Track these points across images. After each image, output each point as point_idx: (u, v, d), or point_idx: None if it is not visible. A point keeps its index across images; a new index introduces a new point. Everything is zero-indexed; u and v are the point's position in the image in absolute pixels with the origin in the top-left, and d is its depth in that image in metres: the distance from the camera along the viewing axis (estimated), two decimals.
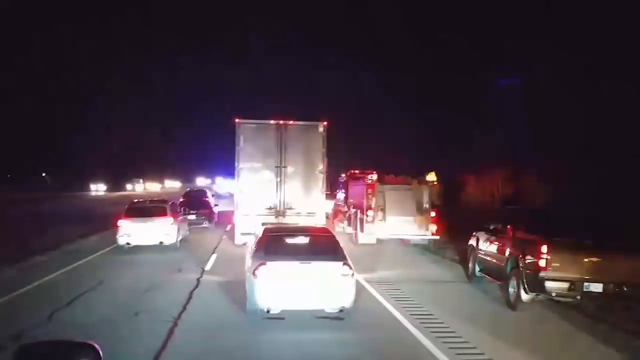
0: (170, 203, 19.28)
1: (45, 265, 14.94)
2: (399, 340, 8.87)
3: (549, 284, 10.02)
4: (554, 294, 10.15)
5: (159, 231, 17.35)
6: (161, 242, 17.32)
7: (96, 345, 2.42)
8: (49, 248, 17.10)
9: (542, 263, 10.03)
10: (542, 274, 10.03)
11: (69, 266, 14.83)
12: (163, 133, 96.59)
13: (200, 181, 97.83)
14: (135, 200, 20.64)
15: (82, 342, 2.43)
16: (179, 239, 18.12)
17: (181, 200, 25.68)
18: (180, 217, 19.36)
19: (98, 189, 77.51)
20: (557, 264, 10.00)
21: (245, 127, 17.97)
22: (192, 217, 23.53)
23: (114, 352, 2.22)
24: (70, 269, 14.56)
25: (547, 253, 10.01)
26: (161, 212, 17.85)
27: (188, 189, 40.53)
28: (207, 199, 28.18)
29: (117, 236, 17.24)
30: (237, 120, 17.99)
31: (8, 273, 13.35)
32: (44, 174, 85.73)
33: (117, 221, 17.62)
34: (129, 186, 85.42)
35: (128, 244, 17.12)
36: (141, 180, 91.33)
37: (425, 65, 33.47)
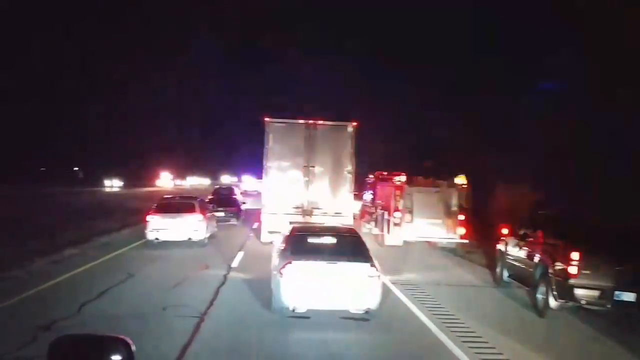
0: (199, 200, 19.47)
1: (76, 258, 15.21)
2: (424, 343, 8.81)
3: (578, 292, 9.87)
4: (583, 302, 9.97)
5: (188, 227, 17.53)
6: (189, 238, 17.49)
7: (129, 340, 2.47)
8: (80, 241, 17.37)
9: (572, 270, 9.88)
10: (572, 281, 9.88)
11: (99, 259, 15.10)
12: (190, 130, 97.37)
13: (225, 179, 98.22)
14: (165, 197, 20.89)
15: (115, 337, 2.48)
16: (207, 236, 18.28)
17: (210, 197, 25.92)
18: (209, 214, 19.53)
19: (113, 184, 76.46)
20: (588, 271, 9.83)
21: (274, 127, 18.06)
22: (220, 214, 23.76)
23: (142, 346, 2.27)
24: (101, 262, 14.82)
25: (578, 260, 9.85)
26: (190, 209, 18.03)
27: (217, 186, 40.88)
28: (235, 197, 28.45)
29: (147, 231, 17.48)
30: (266, 119, 18.10)
31: (40, 265, 13.60)
32: (75, 168, 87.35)
33: (146, 216, 17.87)
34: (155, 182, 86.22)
35: (157, 239, 17.33)
36: (171, 177, 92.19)
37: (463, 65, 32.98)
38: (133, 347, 2.47)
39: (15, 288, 11.10)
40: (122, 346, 2.46)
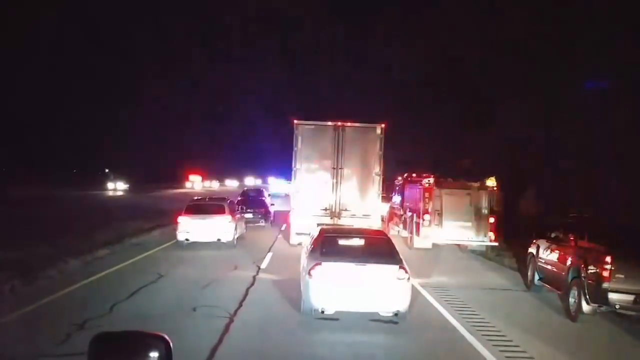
0: (228, 201, 19.63)
1: (108, 258, 15.46)
2: (454, 346, 8.74)
3: (612, 296, 9.67)
4: (617, 307, 9.76)
5: (217, 228, 17.68)
6: (219, 239, 17.64)
7: (167, 337, 2.51)
8: (112, 242, 17.65)
9: (605, 273, 9.69)
10: (605, 284, 9.69)
11: (130, 260, 15.32)
12: (214, 131, 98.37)
13: (249, 181, 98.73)
14: (195, 198, 21.08)
15: (154, 334, 2.52)
16: (236, 237, 18.41)
17: (239, 199, 26.10)
18: (238, 216, 19.67)
19: (117, 187, 71.29)
20: (622, 275, 9.64)
21: (303, 129, 18.12)
22: (249, 215, 23.91)
23: (173, 346, 2.30)
24: (132, 263, 15.04)
25: (611, 263, 9.67)
26: (220, 210, 18.20)
27: (245, 188, 41.11)
28: (263, 198, 28.60)
29: (177, 232, 17.69)
30: (295, 121, 18.16)
31: (73, 265, 13.85)
32: (106, 170, 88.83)
33: (176, 217, 18.08)
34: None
35: (187, 239, 17.51)
36: (200, 179, 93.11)
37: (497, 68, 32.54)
38: (172, 344, 2.51)
39: (50, 287, 11.33)
40: (161, 343, 2.50)
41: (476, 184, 18.92)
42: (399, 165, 27.19)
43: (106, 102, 70.07)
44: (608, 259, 9.72)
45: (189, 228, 17.57)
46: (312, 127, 18.31)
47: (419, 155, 34.74)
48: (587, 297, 10.04)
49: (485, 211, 18.52)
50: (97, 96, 68.10)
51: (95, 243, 16.74)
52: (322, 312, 9.19)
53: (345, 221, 16.99)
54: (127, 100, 74.98)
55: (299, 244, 15.39)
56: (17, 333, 8.20)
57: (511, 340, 8.93)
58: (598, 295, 9.83)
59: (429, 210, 18.65)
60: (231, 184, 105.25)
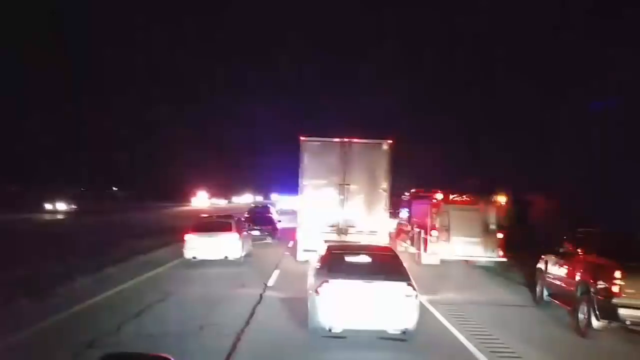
0: (235, 219, 19.63)
1: (116, 276, 15.43)
2: None
3: (622, 312, 9.58)
4: (628, 322, 9.65)
5: (224, 246, 17.67)
6: (226, 257, 17.61)
7: (171, 358, 2.51)
8: (119, 260, 17.65)
9: (615, 289, 9.61)
10: (614, 300, 9.61)
11: (137, 278, 15.32)
12: (216, 148, 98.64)
13: (246, 198, 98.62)
14: (202, 216, 21.09)
15: (159, 355, 2.53)
16: (243, 254, 18.39)
17: (246, 216, 26.11)
18: (245, 233, 19.67)
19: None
20: (632, 290, 9.55)
21: (309, 145, 18.14)
22: (256, 232, 23.91)
23: None
24: (139, 281, 15.03)
25: (620, 278, 9.58)
26: (227, 228, 18.19)
27: (252, 205, 41.14)
28: (270, 215, 28.60)
29: (184, 250, 17.68)
30: (302, 138, 18.19)
31: (81, 283, 13.86)
32: (114, 188, 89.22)
33: (184, 235, 18.08)
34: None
35: (194, 257, 17.50)
36: (207, 196, 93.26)
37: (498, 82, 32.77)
38: None
39: (58, 306, 11.32)
40: None
41: (484, 200, 18.86)
42: (404, 180, 27.12)
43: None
44: (617, 273, 9.64)
45: (196, 245, 17.56)
46: (319, 143, 18.33)
47: (427, 172, 34.77)
48: (597, 313, 9.94)
49: (493, 227, 18.44)
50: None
51: (103, 261, 16.72)
52: (330, 330, 9.12)
53: (352, 238, 16.94)
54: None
55: (306, 261, 15.33)
56: (25, 353, 8.21)
57: (520, 358, 8.86)
58: (608, 311, 9.74)
59: (437, 226, 18.58)
60: (240, 200, 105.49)
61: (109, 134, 67.20)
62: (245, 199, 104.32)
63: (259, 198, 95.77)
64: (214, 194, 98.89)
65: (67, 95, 60.83)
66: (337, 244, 12.48)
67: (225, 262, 17.56)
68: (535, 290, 13.55)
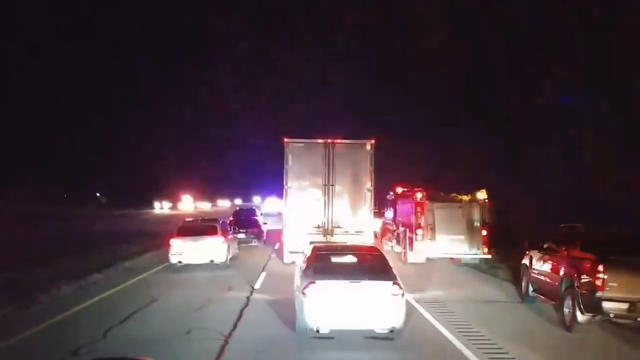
0: (220, 222, 19.55)
1: (101, 282, 15.33)
2: None
3: (606, 305, 9.68)
4: (612, 315, 9.77)
5: (210, 250, 17.59)
6: (212, 261, 17.54)
7: None
8: (104, 265, 17.49)
9: (598, 282, 9.72)
10: (598, 293, 9.72)
11: (123, 284, 15.20)
12: (204, 151, 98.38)
13: (223, 202, 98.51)
14: (187, 220, 20.98)
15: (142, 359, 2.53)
16: (229, 258, 18.33)
17: (231, 219, 26.01)
18: (230, 236, 19.60)
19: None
20: (615, 284, 9.67)
21: (293, 146, 18.14)
22: (242, 235, 23.84)
23: None
24: (125, 287, 14.92)
25: (603, 272, 9.70)
26: (212, 231, 18.11)
27: (237, 207, 40.98)
28: (256, 218, 28.48)
29: (169, 254, 17.55)
30: (285, 139, 18.18)
31: (66, 290, 13.74)
32: (97, 194, 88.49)
33: (169, 240, 17.97)
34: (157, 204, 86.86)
35: (180, 262, 17.40)
36: (192, 199, 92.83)
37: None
38: None
39: (42, 314, 11.22)
40: None
41: (467, 197, 18.97)
42: (388, 179, 27.22)
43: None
44: (600, 267, 9.75)
45: (182, 250, 17.45)
46: (302, 144, 18.34)
47: (411, 171, 34.90)
48: (581, 306, 10.05)
49: (477, 224, 18.56)
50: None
51: (88, 267, 16.57)
52: (317, 331, 9.13)
53: (338, 238, 16.97)
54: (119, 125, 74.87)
55: (293, 262, 15.34)
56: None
57: (507, 353, 8.92)
58: (592, 305, 9.85)
59: (422, 224, 18.66)
60: (224, 204, 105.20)
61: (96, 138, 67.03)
62: (227, 203, 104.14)
63: (238, 201, 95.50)
64: (198, 197, 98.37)
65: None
66: (323, 244, 12.49)
67: (211, 265, 17.48)
68: (521, 286, 13.66)
